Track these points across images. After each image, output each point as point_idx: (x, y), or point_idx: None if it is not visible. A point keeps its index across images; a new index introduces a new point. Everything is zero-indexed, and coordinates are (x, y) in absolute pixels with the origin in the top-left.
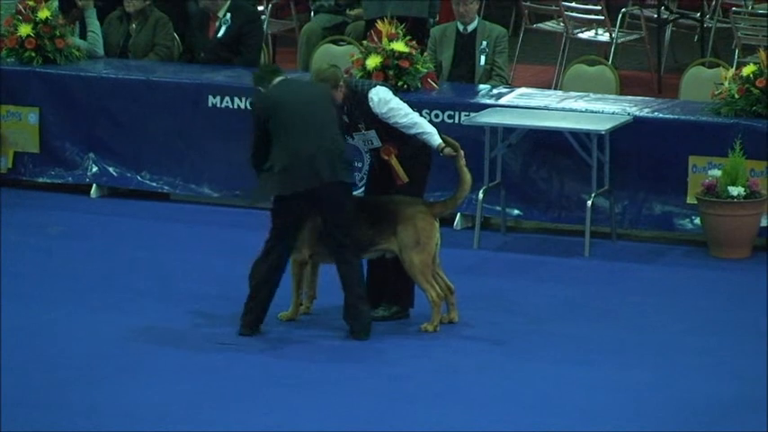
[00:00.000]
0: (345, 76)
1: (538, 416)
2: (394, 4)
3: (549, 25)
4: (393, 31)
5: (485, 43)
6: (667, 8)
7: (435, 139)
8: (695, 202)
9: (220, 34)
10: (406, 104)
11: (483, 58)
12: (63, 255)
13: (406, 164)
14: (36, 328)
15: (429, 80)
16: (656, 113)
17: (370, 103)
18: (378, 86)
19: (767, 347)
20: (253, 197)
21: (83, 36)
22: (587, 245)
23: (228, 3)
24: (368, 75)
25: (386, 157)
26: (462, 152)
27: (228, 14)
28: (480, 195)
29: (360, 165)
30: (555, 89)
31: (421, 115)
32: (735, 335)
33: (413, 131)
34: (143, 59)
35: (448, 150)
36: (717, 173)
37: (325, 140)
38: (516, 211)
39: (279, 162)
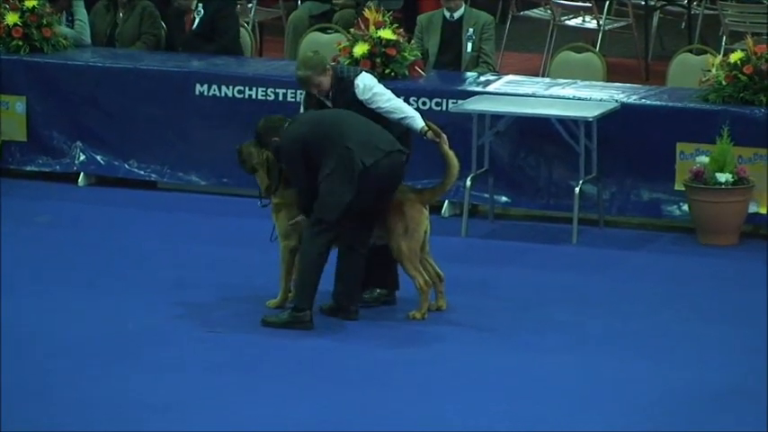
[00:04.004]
0: (332, 63)
1: (525, 403)
2: None
3: (536, 12)
4: (380, 18)
5: (471, 30)
6: None
7: (418, 122)
8: (683, 189)
9: (195, 26)
10: (389, 91)
11: (470, 46)
12: (51, 243)
13: None
14: (23, 316)
15: (416, 68)
16: (643, 100)
17: (356, 90)
18: (363, 73)
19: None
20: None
21: (70, 25)
22: (575, 232)
23: None
24: (355, 62)
25: None
26: (445, 136)
27: (200, 5)
28: (468, 183)
29: None
30: (542, 76)
31: (408, 103)
32: (723, 321)
33: (396, 116)
34: (130, 48)
35: (431, 133)
36: (704, 159)
37: (368, 125)
38: (504, 199)
39: (336, 159)
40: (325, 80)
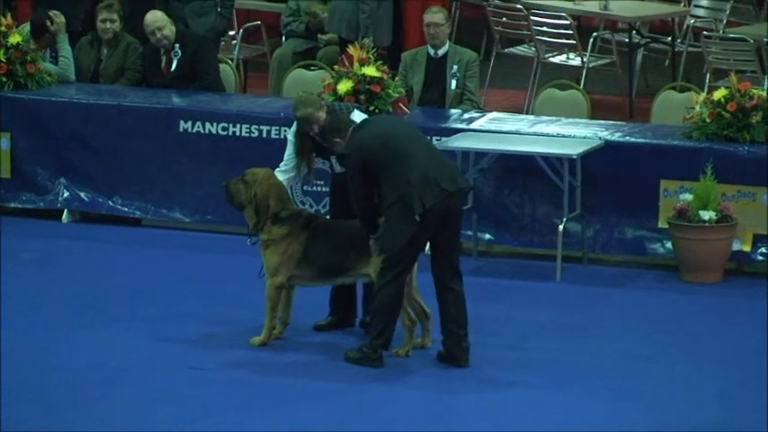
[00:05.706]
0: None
1: None
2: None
3: (520, 49)
4: (364, 55)
5: (455, 67)
6: (638, 32)
7: None
8: (667, 227)
9: (173, 68)
10: None
11: (454, 83)
12: (34, 280)
13: None
14: (6, 351)
15: (400, 105)
16: (627, 137)
17: None
18: (355, 110)
19: (731, 371)
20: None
21: (54, 61)
22: (559, 269)
23: (175, 34)
24: (339, 99)
25: None
26: None
27: (177, 45)
28: None
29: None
30: (526, 113)
31: None
32: (707, 359)
33: None
34: (114, 84)
35: None
36: (688, 197)
37: (434, 158)
38: (488, 236)
39: (397, 193)
40: (323, 115)
